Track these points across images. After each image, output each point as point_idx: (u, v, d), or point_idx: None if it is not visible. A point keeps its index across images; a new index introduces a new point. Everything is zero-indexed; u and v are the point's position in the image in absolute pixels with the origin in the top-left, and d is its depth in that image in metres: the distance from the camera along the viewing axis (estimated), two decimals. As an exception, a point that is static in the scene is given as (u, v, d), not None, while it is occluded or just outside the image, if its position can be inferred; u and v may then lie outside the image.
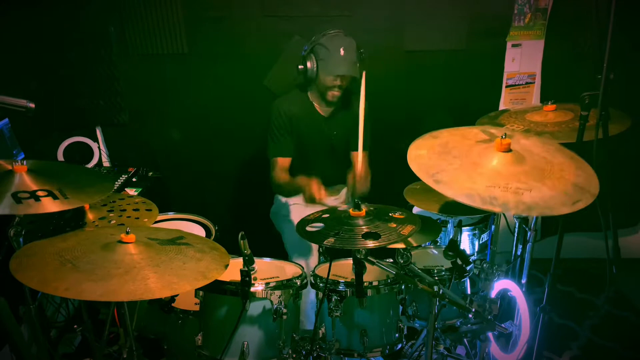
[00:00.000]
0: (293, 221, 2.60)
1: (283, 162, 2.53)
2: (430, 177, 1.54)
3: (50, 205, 1.51)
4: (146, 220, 1.93)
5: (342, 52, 2.34)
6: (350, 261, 1.82)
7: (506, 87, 3.04)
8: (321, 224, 1.79)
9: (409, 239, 1.80)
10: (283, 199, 2.71)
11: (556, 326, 2.77)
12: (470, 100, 2.99)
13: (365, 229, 1.69)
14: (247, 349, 1.75)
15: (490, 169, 1.57)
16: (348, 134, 2.60)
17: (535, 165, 1.59)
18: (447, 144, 1.71)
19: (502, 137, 1.62)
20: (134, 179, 2.82)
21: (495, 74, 3.02)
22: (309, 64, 2.39)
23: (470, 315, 1.75)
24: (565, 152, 1.72)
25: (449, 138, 1.75)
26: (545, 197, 1.45)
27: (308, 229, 1.77)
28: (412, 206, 2.42)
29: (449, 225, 2.38)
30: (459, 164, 1.59)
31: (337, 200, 2.78)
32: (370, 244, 1.61)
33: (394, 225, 1.71)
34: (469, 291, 2.10)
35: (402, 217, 1.80)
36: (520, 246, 2.14)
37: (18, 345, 1.52)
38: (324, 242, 1.64)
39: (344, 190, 2.81)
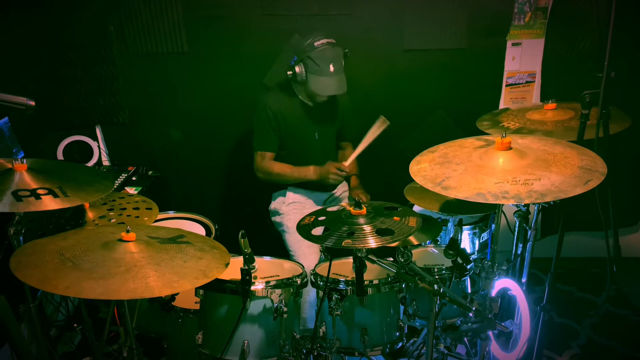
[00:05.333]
0: (292, 219, 2.61)
1: (268, 156, 2.59)
2: (438, 186, 1.57)
3: (50, 203, 1.51)
4: (146, 219, 1.93)
5: (331, 68, 2.38)
6: (350, 260, 1.82)
7: (506, 85, 3.04)
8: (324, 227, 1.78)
9: (410, 237, 1.80)
10: (281, 197, 2.71)
11: (556, 325, 2.77)
12: (470, 99, 2.99)
13: (369, 227, 1.67)
14: (248, 347, 1.75)
15: (495, 168, 1.60)
16: (334, 124, 2.70)
17: (538, 157, 1.62)
18: (446, 154, 1.75)
19: (502, 136, 1.64)
20: (133, 178, 2.81)
21: (495, 73, 3.01)
22: (297, 69, 2.42)
23: (470, 314, 1.75)
24: (563, 143, 1.74)
25: (447, 149, 1.80)
26: (556, 183, 1.48)
27: (315, 232, 1.75)
28: (413, 205, 2.42)
29: (450, 224, 2.38)
30: (463, 169, 1.62)
31: (334, 195, 2.79)
32: (389, 239, 1.60)
33: (398, 219, 1.71)
34: (469, 290, 2.10)
35: (399, 210, 1.80)
36: (520, 245, 2.14)
37: (18, 344, 1.51)
38: (343, 244, 1.59)
39: (341, 185, 2.82)
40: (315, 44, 2.38)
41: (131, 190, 2.65)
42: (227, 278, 1.74)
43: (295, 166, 2.59)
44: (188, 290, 1.77)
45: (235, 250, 1.71)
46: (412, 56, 2.96)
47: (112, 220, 1.90)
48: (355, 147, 2.53)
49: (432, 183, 1.59)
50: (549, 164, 1.57)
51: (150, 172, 2.89)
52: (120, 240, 1.51)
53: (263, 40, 2.86)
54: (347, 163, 2.49)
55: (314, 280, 1.96)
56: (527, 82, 3.03)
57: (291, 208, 2.67)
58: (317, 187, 2.71)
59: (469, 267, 2.01)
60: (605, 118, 1.77)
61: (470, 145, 1.77)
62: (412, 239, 2.21)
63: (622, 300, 3.01)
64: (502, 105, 3.07)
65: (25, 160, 1.62)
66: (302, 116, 2.59)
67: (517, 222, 2.08)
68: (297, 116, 2.58)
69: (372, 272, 1.92)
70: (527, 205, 2.02)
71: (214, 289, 1.78)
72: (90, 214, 1.92)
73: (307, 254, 2.44)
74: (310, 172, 2.55)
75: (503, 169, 1.59)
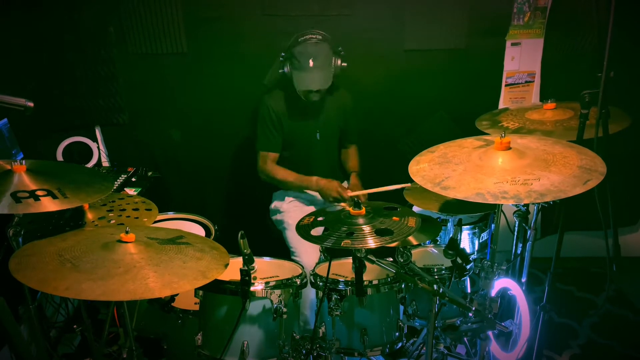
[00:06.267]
0: (293, 216, 2.61)
1: (271, 157, 2.59)
2: (437, 186, 1.57)
3: (49, 205, 1.51)
4: (146, 219, 1.93)
5: (311, 63, 2.35)
6: (349, 260, 1.82)
7: (506, 85, 3.04)
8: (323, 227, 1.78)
9: (410, 237, 1.80)
10: (281, 197, 2.71)
11: (556, 325, 2.77)
12: (469, 99, 2.99)
13: (368, 227, 1.66)
14: (247, 348, 1.75)
15: (494, 168, 1.60)
16: (336, 125, 2.69)
17: (537, 157, 1.62)
18: (446, 154, 1.75)
19: (501, 136, 1.64)
20: (133, 179, 2.81)
21: (494, 73, 3.02)
22: (286, 70, 2.44)
23: (470, 314, 1.75)
24: (562, 142, 1.74)
25: (446, 149, 1.80)
26: (556, 182, 1.48)
27: (314, 233, 1.75)
28: (412, 205, 2.42)
29: (449, 224, 2.38)
30: (462, 169, 1.62)
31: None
32: (388, 239, 1.60)
33: (397, 219, 1.71)
34: (469, 290, 2.10)
35: (398, 210, 1.80)
36: (520, 245, 2.14)
37: (17, 346, 1.51)
38: (342, 244, 1.59)
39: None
40: (299, 39, 2.40)
41: (131, 191, 2.65)
42: (227, 279, 1.74)
43: (299, 174, 2.58)
44: (187, 291, 1.78)
45: (234, 251, 1.71)
46: (412, 56, 2.96)
47: (112, 222, 1.90)
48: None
49: (432, 183, 1.59)
50: (548, 164, 1.57)
51: (149, 173, 2.90)
52: (120, 241, 1.51)
53: (263, 40, 2.86)
54: (351, 193, 2.46)
55: (313, 280, 1.96)
56: (526, 81, 3.03)
57: (292, 206, 2.68)
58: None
59: (468, 267, 2.01)
60: (605, 118, 1.77)
61: (470, 145, 1.77)
62: (412, 239, 2.21)
63: (622, 299, 3.01)
64: (501, 105, 3.07)
65: (24, 161, 1.62)
66: (303, 116, 2.59)
67: (517, 222, 2.08)
68: (298, 116, 2.58)
69: (372, 272, 1.92)
70: (526, 205, 2.02)
71: (213, 290, 1.78)
72: (89, 215, 1.91)
73: (308, 251, 2.43)
74: (312, 182, 2.53)
75: (502, 168, 1.59)
